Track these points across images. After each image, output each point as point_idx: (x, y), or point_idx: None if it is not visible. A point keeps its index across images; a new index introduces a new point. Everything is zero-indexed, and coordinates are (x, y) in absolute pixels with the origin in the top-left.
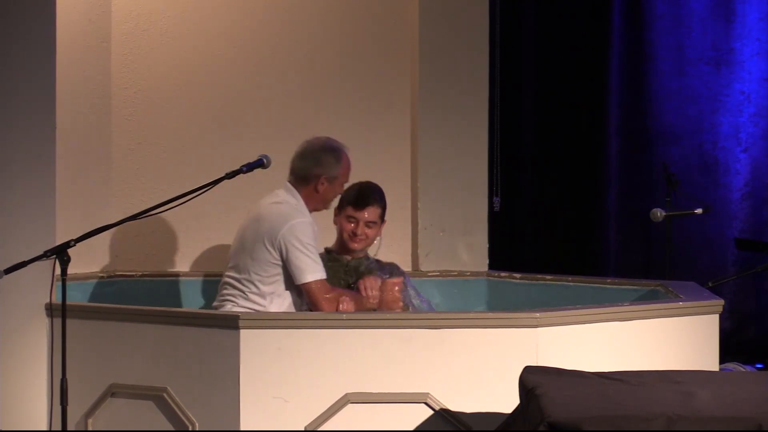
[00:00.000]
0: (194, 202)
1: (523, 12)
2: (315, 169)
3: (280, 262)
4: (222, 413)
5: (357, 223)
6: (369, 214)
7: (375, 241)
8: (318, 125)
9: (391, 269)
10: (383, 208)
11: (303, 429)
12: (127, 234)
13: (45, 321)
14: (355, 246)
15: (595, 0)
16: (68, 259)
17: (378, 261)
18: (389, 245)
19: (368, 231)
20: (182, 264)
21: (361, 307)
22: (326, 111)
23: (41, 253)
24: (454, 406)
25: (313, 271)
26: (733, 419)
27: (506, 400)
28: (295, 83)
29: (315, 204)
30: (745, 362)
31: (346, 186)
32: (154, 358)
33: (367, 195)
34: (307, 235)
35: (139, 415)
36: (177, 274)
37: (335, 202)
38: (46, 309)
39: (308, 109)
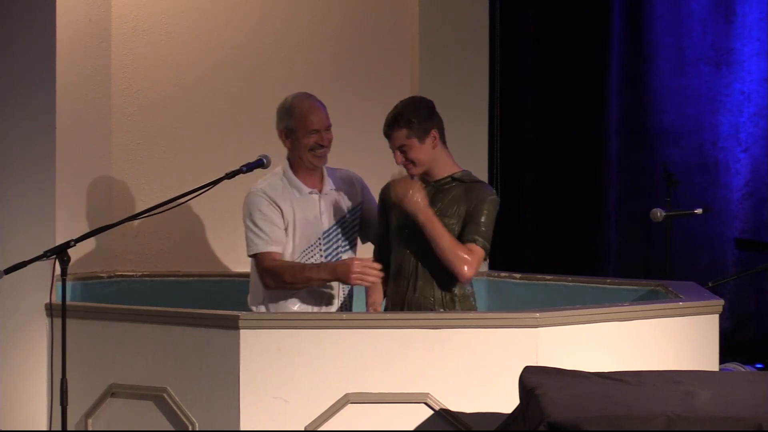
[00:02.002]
0: (194, 202)
1: (523, 12)
2: (277, 128)
3: None
4: (222, 413)
5: (395, 153)
6: (395, 140)
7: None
8: None
9: (477, 195)
10: (411, 124)
11: (303, 429)
12: (127, 234)
13: (45, 321)
14: (413, 172)
15: (595, 0)
16: (68, 259)
17: (472, 183)
18: None
19: (410, 155)
20: (182, 264)
21: (299, 281)
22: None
23: (41, 253)
24: (454, 406)
25: (252, 246)
26: (733, 419)
27: (506, 400)
28: (294, 83)
29: (296, 160)
30: (745, 362)
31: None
32: (154, 358)
33: (390, 121)
34: (253, 209)
35: (139, 415)
36: (177, 274)
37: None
38: (46, 309)
39: None
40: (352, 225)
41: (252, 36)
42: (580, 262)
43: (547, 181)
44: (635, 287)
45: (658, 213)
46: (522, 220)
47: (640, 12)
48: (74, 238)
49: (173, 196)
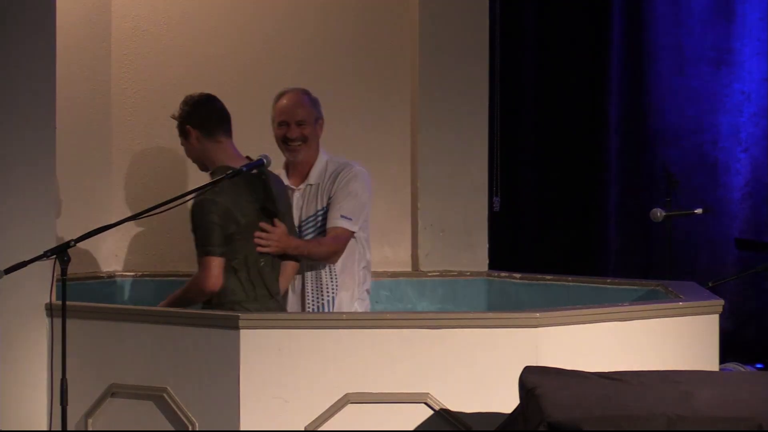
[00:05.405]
0: None
1: (523, 12)
2: None
3: None
4: (222, 413)
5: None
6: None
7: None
8: None
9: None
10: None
11: (303, 429)
12: (127, 234)
13: (45, 321)
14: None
15: (595, 0)
16: (68, 259)
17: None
18: (390, 245)
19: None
20: (182, 264)
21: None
22: (326, 111)
23: (41, 253)
24: (454, 406)
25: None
26: (733, 419)
27: (506, 400)
28: (294, 83)
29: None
30: (745, 362)
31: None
32: (154, 358)
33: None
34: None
35: (139, 415)
36: (177, 274)
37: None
38: (46, 309)
39: None
40: (324, 221)
41: (252, 36)
42: (580, 262)
43: (547, 180)
44: (635, 287)
45: (658, 213)
46: (522, 220)
47: (640, 12)
48: (74, 238)
49: (173, 196)
